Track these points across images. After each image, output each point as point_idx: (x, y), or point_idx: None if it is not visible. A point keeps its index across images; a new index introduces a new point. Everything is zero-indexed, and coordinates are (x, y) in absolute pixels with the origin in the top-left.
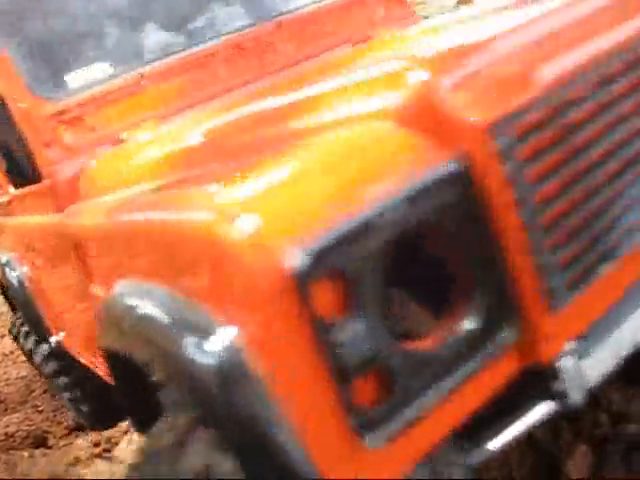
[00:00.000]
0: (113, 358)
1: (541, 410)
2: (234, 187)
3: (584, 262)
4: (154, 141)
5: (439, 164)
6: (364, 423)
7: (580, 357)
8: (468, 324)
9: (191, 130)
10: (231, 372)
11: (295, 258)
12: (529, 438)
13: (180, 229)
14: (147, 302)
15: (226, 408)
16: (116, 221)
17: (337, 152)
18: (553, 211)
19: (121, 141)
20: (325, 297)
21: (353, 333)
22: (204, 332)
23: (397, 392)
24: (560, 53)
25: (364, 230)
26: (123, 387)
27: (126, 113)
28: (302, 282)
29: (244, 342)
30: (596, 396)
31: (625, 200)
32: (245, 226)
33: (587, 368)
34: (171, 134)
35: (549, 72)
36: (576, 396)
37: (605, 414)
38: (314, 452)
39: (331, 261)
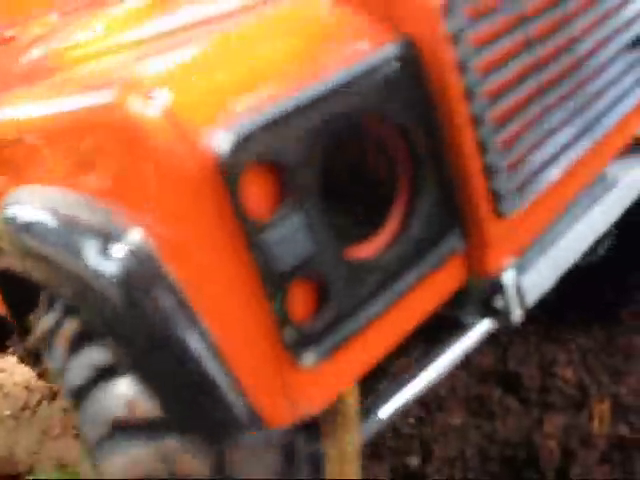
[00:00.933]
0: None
1: (482, 328)
2: (144, 64)
3: (531, 167)
4: (45, 37)
5: (384, 45)
6: (298, 338)
7: (521, 272)
8: (412, 230)
9: (86, 25)
10: (139, 282)
11: (222, 142)
12: None
13: (77, 114)
14: (37, 208)
15: (134, 325)
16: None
17: (269, 28)
18: (503, 106)
19: (10, 39)
20: (256, 190)
21: (287, 231)
22: (106, 236)
23: (334, 303)
24: None
25: (302, 112)
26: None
27: (15, 9)
28: (230, 171)
29: (156, 245)
30: None
31: (571, 105)
32: (159, 102)
33: (527, 284)
34: (63, 29)
35: None
36: (517, 313)
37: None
38: (240, 372)
39: (263, 147)
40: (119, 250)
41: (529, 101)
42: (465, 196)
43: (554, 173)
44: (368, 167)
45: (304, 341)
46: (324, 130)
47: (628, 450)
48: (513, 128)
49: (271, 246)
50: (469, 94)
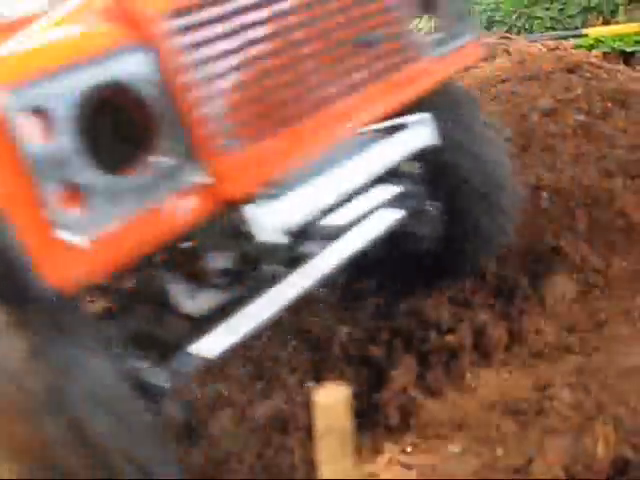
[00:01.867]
0: None
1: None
2: None
3: (255, 122)
4: None
5: (127, 42)
6: (66, 226)
7: (264, 204)
8: (157, 162)
9: None
10: None
11: (4, 97)
12: None
13: None
14: None
15: None
16: None
17: (61, 32)
18: (230, 89)
19: None
20: (28, 127)
21: (55, 154)
22: None
23: (90, 206)
24: None
25: (62, 80)
26: None
27: None
28: (9, 114)
29: None
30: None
31: (305, 84)
32: None
33: (275, 214)
34: None
35: None
36: (264, 237)
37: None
38: (29, 252)
39: (32, 100)
40: None
41: (245, 80)
42: (194, 139)
43: (285, 133)
44: (133, 118)
45: (70, 228)
46: (81, 95)
47: (634, 473)
48: (230, 95)
49: (41, 164)
50: (183, 72)
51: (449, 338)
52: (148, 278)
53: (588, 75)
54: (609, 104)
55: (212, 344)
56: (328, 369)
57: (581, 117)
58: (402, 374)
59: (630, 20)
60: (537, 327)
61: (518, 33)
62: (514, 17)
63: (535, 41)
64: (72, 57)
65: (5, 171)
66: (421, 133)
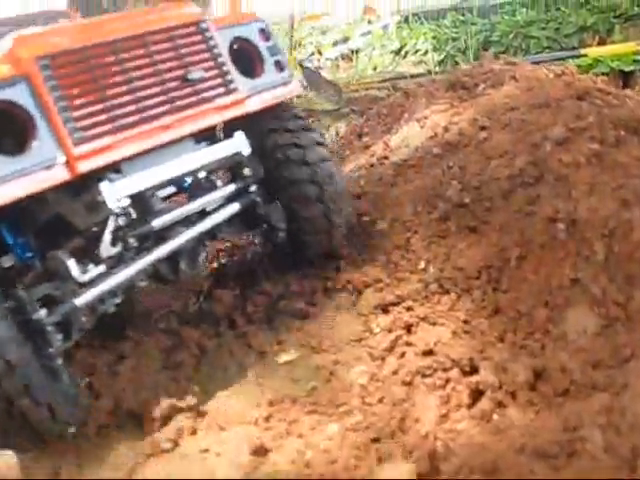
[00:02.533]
0: None
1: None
2: None
3: (103, 125)
4: None
5: (15, 74)
6: None
7: (111, 181)
8: (35, 148)
9: None
10: None
11: None
12: None
13: None
14: None
15: None
16: None
17: None
18: (82, 105)
19: None
20: None
21: None
22: None
23: None
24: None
25: None
26: None
27: None
28: None
29: None
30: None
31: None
32: None
33: (116, 188)
34: None
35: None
36: (110, 205)
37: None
38: None
39: None
40: None
41: (95, 96)
42: (57, 134)
43: (121, 133)
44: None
45: None
46: None
47: None
48: (80, 108)
49: None
50: (50, 93)
51: (472, 377)
52: (53, 256)
53: (598, 102)
54: (622, 132)
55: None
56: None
57: (594, 146)
58: (426, 416)
59: (626, 39)
60: (561, 364)
61: (515, 53)
62: (510, 37)
63: (537, 63)
64: None
65: None
66: (233, 144)
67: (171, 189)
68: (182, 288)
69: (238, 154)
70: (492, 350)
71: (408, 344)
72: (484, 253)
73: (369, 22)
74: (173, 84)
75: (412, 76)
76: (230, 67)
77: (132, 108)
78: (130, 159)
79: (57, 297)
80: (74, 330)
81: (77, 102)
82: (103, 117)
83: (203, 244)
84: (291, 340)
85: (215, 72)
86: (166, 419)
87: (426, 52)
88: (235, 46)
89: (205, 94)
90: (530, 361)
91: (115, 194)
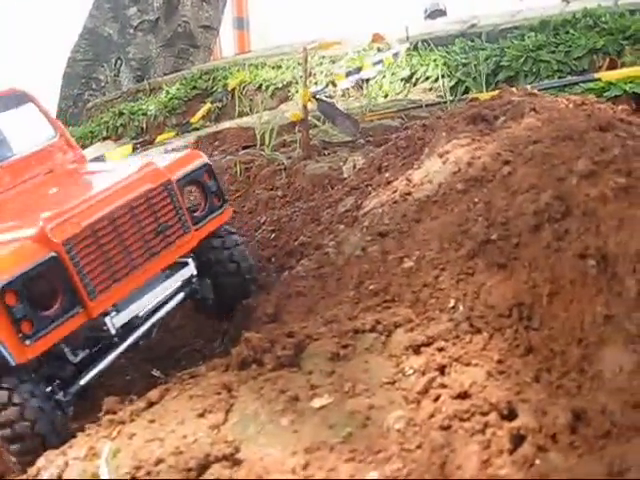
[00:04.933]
0: None
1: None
2: None
3: (108, 281)
4: None
5: (47, 251)
6: (23, 336)
7: (113, 316)
8: (60, 307)
9: None
10: None
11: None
12: None
13: None
14: None
15: None
16: None
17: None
18: (94, 268)
19: None
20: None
21: (20, 308)
22: None
23: (35, 327)
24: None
25: (19, 279)
26: None
27: None
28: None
29: None
30: None
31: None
32: None
33: (116, 320)
34: None
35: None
36: (112, 331)
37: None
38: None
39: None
40: None
41: (108, 265)
42: (78, 293)
43: (122, 281)
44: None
45: (26, 338)
46: (29, 282)
47: None
48: (100, 274)
49: (15, 313)
50: (75, 267)
51: (512, 422)
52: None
53: (622, 134)
54: None
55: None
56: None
57: (621, 179)
58: (467, 462)
59: (636, 60)
60: (601, 405)
61: (525, 77)
62: (520, 61)
63: (550, 88)
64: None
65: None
66: (189, 269)
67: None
68: (204, 328)
69: (193, 276)
70: (529, 391)
71: (443, 386)
72: (514, 290)
73: (378, 50)
74: (150, 236)
75: (427, 105)
76: (185, 212)
77: (125, 263)
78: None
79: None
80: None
81: (92, 267)
82: (107, 275)
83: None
84: (323, 384)
85: (176, 220)
86: (202, 469)
87: (437, 79)
88: (186, 187)
89: (169, 239)
90: (568, 402)
91: (116, 324)
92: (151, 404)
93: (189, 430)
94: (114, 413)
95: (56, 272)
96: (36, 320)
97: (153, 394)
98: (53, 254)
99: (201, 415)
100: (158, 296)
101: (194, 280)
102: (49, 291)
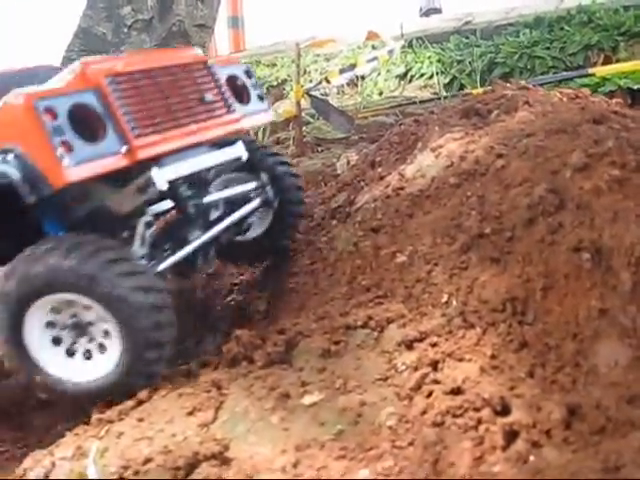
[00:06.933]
0: None
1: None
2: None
3: (151, 127)
4: None
5: (86, 86)
6: (62, 156)
7: (160, 167)
8: (103, 141)
9: None
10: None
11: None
12: None
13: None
14: None
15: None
16: None
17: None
18: (136, 111)
19: None
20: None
21: (59, 129)
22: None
23: (74, 151)
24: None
25: (59, 101)
26: None
27: None
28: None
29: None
30: None
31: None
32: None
33: (163, 172)
34: None
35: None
36: (160, 185)
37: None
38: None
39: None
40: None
41: (153, 106)
42: (122, 131)
43: (168, 132)
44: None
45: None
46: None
47: None
48: (137, 111)
49: (51, 129)
50: (117, 101)
51: (505, 417)
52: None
53: (616, 126)
54: None
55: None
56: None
57: (615, 171)
58: (460, 459)
59: (631, 56)
60: (595, 400)
61: (520, 74)
62: (515, 58)
63: (546, 83)
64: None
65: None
66: (235, 150)
67: (167, 204)
68: (196, 326)
69: (239, 159)
70: (523, 387)
71: (435, 382)
72: (508, 285)
73: (373, 47)
74: (193, 103)
75: (421, 101)
76: (229, 95)
77: (168, 117)
78: (167, 156)
79: None
80: None
81: (134, 108)
82: (151, 120)
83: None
84: (314, 381)
85: (219, 97)
86: (191, 468)
87: (432, 76)
88: (229, 80)
89: (214, 112)
90: (563, 398)
91: (163, 177)
92: (140, 402)
93: (178, 429)
94: (102, 412)
95: (97, 106)
96: (76, 146)
97: (142, 393)
98: (94, 88)
99: (190, 413)
100: (207, 162)
101: (267, 188)
102: (91, 126)
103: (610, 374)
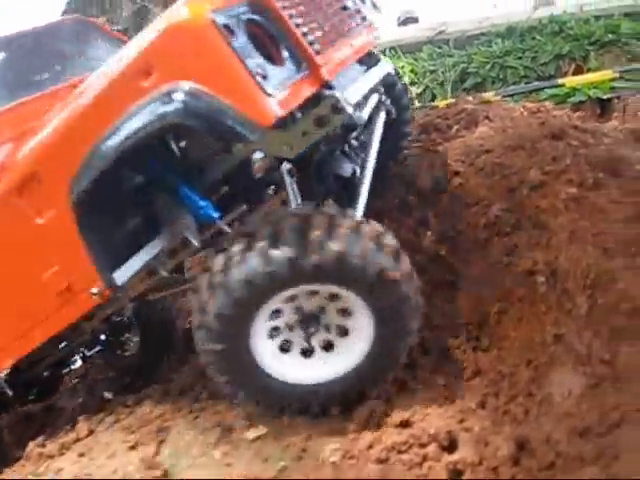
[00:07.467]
0: None
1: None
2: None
3: (325, 41)
4: None
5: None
6: (263, 84)
7: (342, 90)
8: (289, 64)
9: None
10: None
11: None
12: None
13: None
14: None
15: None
16: None
17: None
18: (308, 24)
19: None
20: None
21: (244, 47)
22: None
23: (268, 77)
24: None
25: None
26: None
27: None
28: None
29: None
30: None
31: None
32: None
33: (346, 94)
34: None
35: None
36: (348, 109)
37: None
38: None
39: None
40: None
41: (306, 16)
42: (299, 51)
43: (341, 50)
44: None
45: (266, 85)
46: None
47: None
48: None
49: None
50: (285, 11)
51: (451, 455)
52: None
53: (575, 143)
54: (600, 174)
55: None
56: None
57: (572, 190)
58: None
59: (601, 65)
60: (546, 433)
61: (492, 84)
62: (487, 68)
63: (516, 94)
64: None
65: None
66: (386, 66)
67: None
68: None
69: (390, 74)
70: (472, 419)
71: (386, 414)
72: (462, 309)
73: None
74: (338, 12)
75: None
76: (362, 7)
77: (332, 29)
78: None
79: None
80: None
81: (305, 22)
82: (321, 35)
83: None
84: (260, 414)
85: (357, 7)
86: None
87: None
88: None
89: (356, 21)
90: (512, 431)
91: (349, 100)
92: (79, 439)
93: (119, 464)
94: (43, 446)
95: (266, 22)
96: (269, 71)
97: (82, 428)
98: (263, 5)
99: (133, 447)
100: (372, 80)
101: (387, 102)
102: (264, 47)
103: (564, 404)
